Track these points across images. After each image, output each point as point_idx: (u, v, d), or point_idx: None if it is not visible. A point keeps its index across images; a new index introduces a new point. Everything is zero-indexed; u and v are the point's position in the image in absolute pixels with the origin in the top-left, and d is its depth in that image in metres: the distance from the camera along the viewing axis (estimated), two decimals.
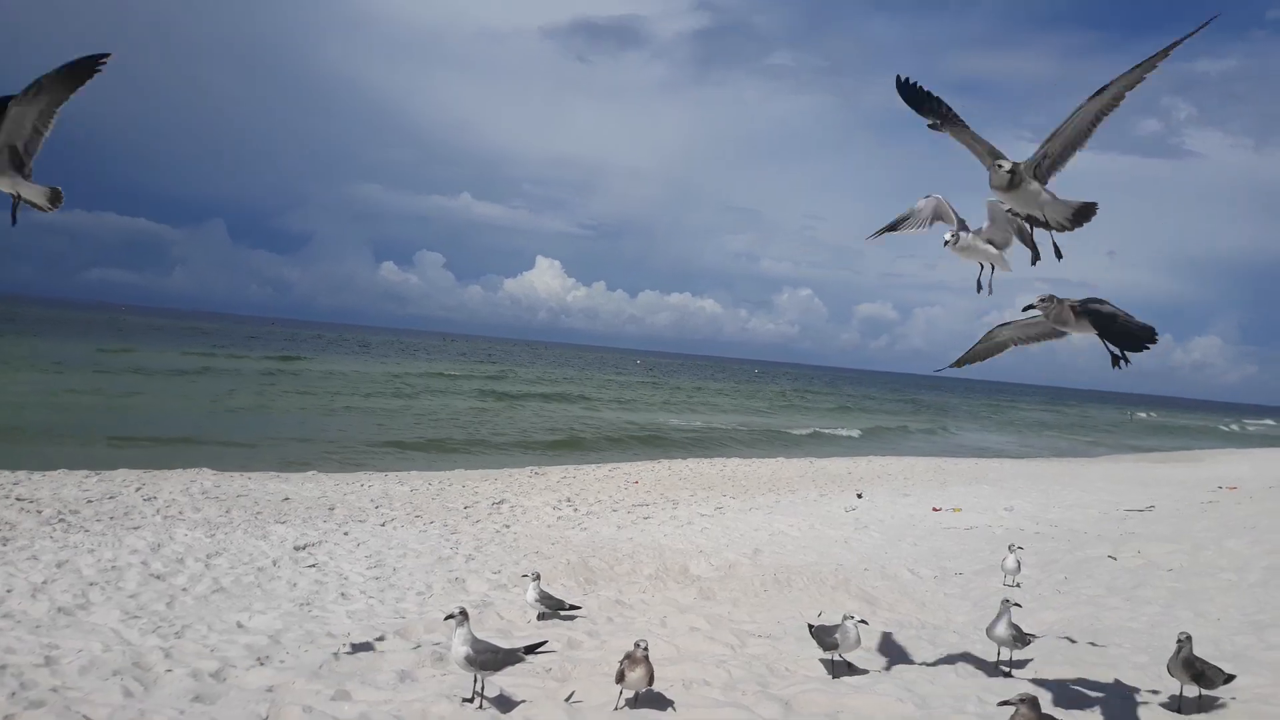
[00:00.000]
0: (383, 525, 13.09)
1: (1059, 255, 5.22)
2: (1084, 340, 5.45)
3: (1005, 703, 5.14)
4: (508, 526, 13.65)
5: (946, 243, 5.68)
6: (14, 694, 5.83)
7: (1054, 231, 5.08)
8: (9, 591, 8.26)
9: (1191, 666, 5.88)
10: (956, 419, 66.87)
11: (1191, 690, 6.04)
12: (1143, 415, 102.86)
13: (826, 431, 44.29)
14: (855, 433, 45.41)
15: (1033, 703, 4.96)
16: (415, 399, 42.12)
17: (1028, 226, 5.28)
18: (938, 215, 5.99)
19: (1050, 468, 30.93)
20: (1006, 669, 6.94)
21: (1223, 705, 6.07)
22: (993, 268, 5.85)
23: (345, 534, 12.15)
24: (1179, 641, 5.91)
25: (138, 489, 14.58)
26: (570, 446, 30.02)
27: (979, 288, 5.89)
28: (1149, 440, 59.75)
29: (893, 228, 6.22)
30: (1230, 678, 6.05)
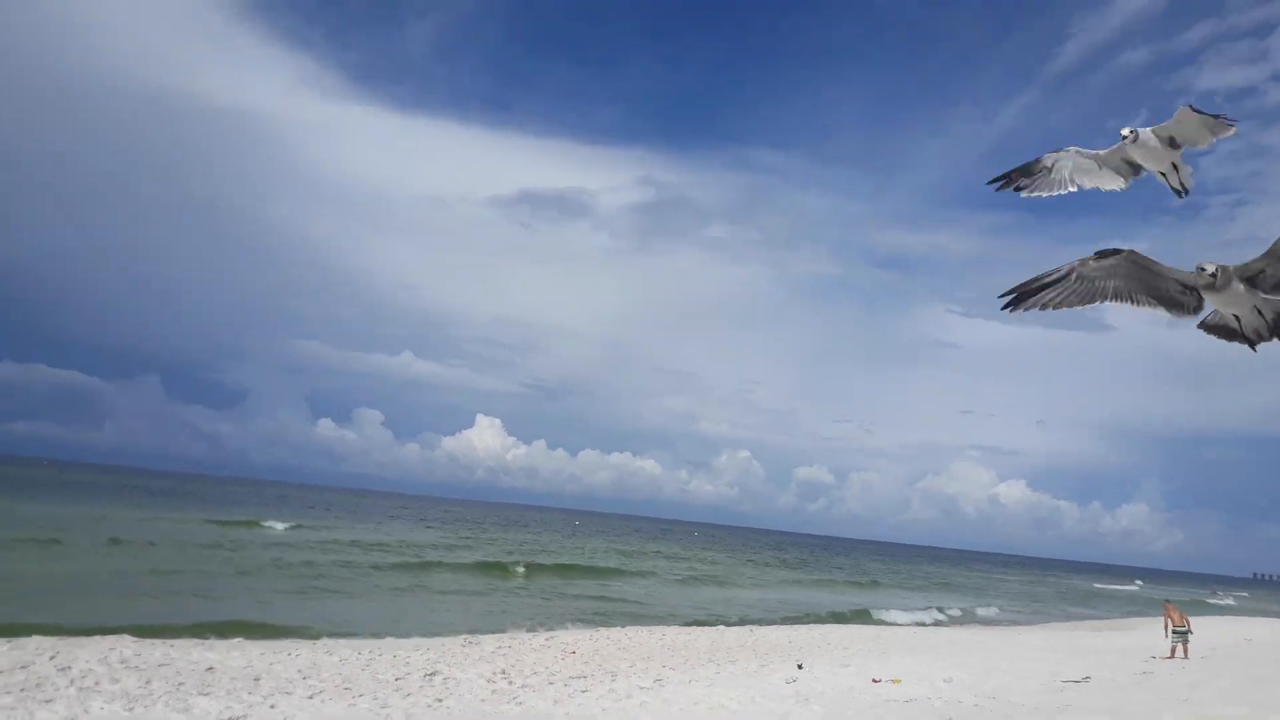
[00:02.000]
0: (310, 698, 12.69)
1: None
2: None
3: None
4: (440, 700, 13.31)
5: (1124, 137, 5.08)
6: None
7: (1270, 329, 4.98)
8: None
9: None
10: (897, 586, 66.78)
11: None
12: (1135, 586, 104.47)
13: (770, 598, 43.89)
14: (800, 600, 45.08)
15: None
16: (347, 565, 41.01)
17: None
18: (1079, 170, 5.33)
19: (988, 636, 31.00)
20: None
21: None
22: (1176, 170, 5.19)
23: (272, 707, 11.76)
24: None
25: (51, 658, 13.97)
26: (506, 614, 29.38)
27: (1181, 193, 5.25)
28: (1084, 608, 60.16)
29: (1016, 183, 5.49)
30: None
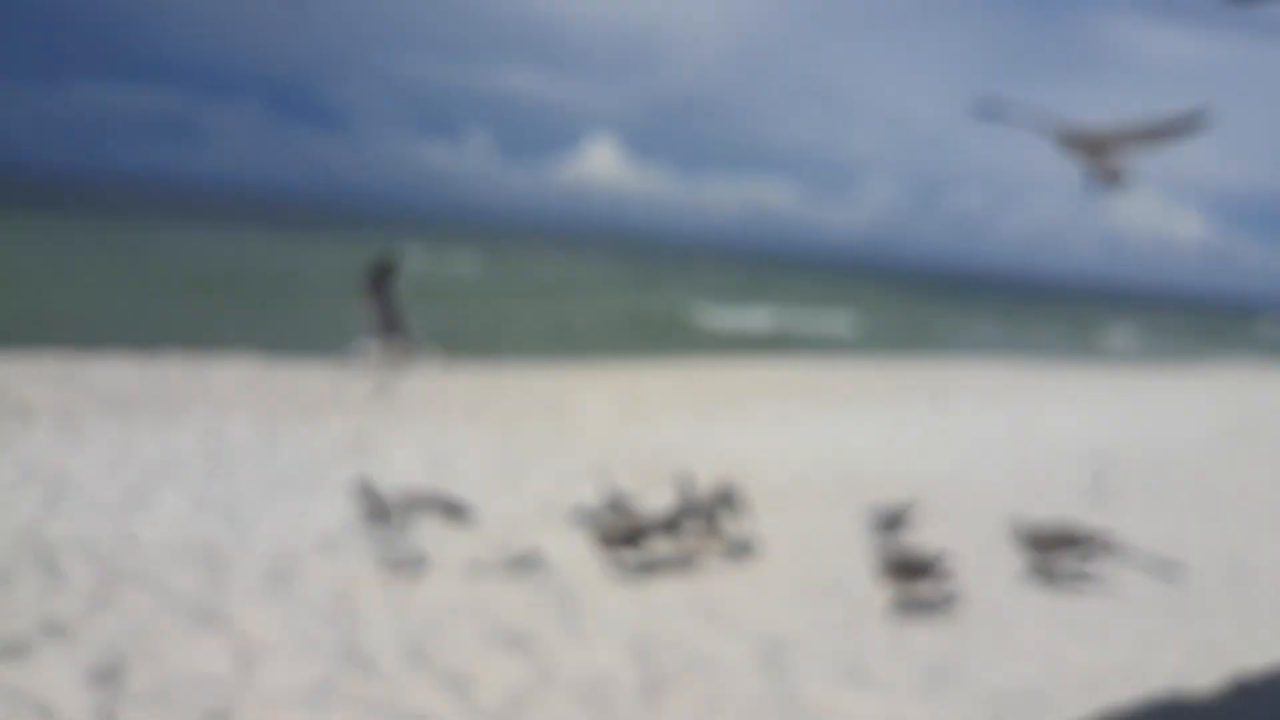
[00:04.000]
0: (438, 420, 13.73)
1: None
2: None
3: None
4: (566, 426, 14.21)
5: None
6: (105, 570, 6.55)
7: None
8: (83, 474, 9.03)
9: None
10: (1063, 325, 65.96)
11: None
12: None
13: (907, 335, 44.17)
14: (939, 337, 45.22)
15: None
16: (466, 289, 42.85)
17: None
18: None
19: (1153, 380, 30.69)
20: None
21: None
22: None
23: (400, 428, 12.81)
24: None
25: (189, 374, 15.41)
26: (632, 345, 30.45)
27: None
28: (1260, 352, 58.43)
29: None
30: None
